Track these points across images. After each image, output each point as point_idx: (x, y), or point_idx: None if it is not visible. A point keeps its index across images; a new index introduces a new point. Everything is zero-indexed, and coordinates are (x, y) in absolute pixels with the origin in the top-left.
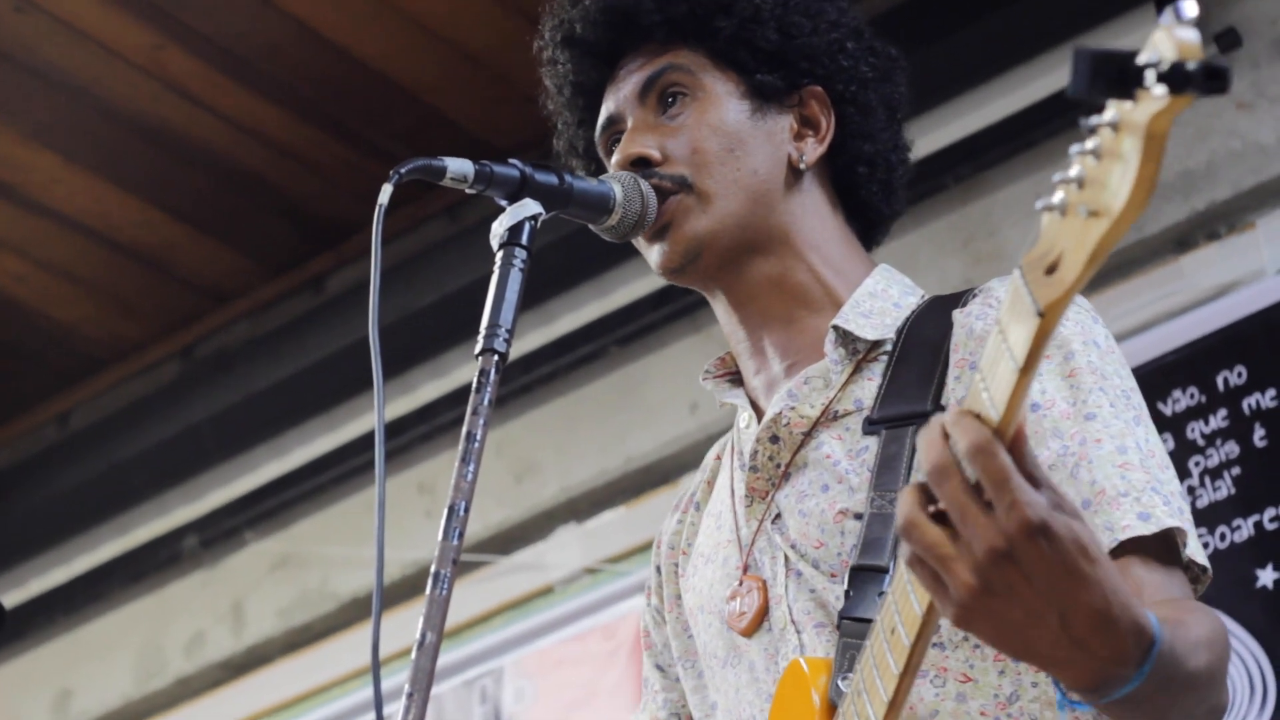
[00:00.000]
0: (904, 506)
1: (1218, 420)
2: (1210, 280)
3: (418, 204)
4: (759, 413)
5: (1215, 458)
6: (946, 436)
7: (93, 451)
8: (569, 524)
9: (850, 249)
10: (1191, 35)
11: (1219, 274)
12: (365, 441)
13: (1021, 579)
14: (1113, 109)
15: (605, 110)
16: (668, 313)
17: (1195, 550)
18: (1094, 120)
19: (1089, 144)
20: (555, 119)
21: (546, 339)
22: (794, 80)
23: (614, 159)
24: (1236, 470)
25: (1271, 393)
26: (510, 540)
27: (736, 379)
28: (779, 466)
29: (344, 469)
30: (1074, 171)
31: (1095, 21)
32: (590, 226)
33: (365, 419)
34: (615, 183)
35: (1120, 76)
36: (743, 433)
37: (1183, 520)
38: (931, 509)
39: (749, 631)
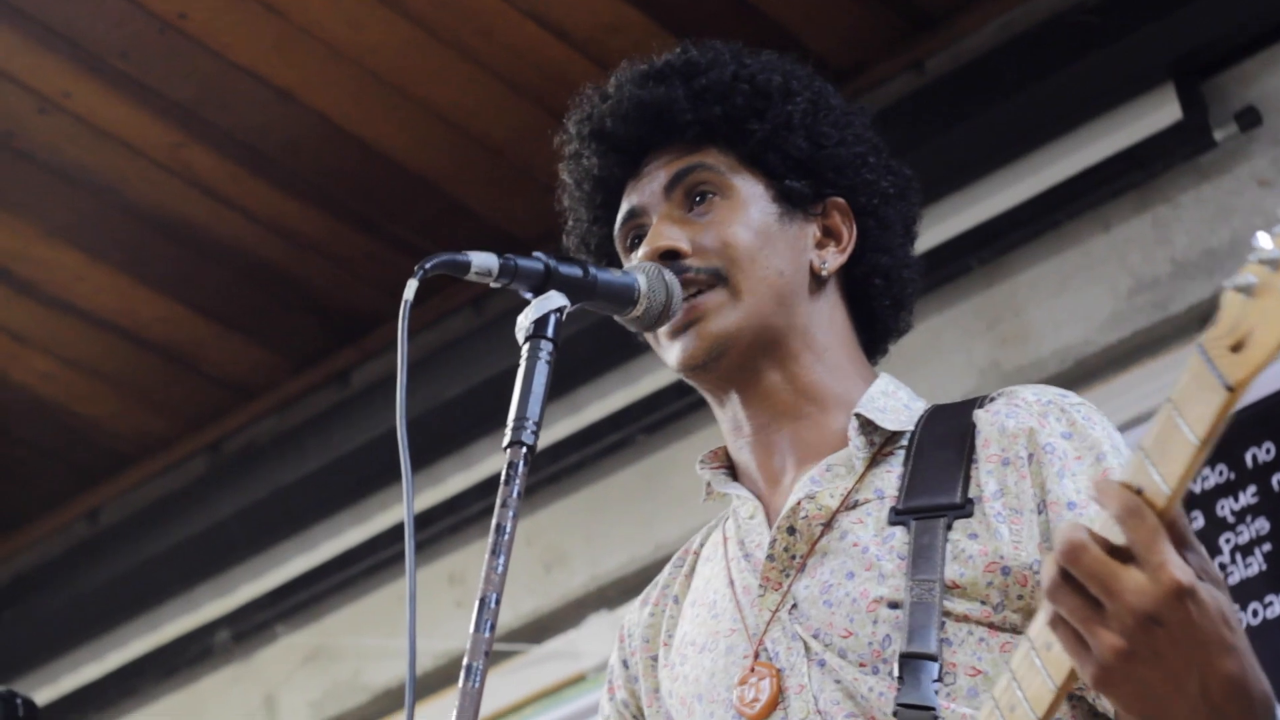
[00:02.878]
0: (1048, 570)
1: (1247, 497)
2: None
3: (442, 296)
4: (764, 505)
5: (1245, 534)
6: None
7: (122, 548)
8: (600, 611)
9: (858, 357)
10: None
11: None
12: (394, 533)
13: (1168, 643)
14: None
15: (627, 204)
16: (693, 400)
17: None
18: None
19: None
20: (569, 215)
21: (574, 428)
22: (820, 189)
23: (640, 251)
24: (1267, 546)
25: None
26: (541, 629)
27: (731, 472)
28: (794, 558)
29: (374, 561)
30: (1268, 253)
31: (1116, 103)
32: (615, 318)
33: (393, 511)
34: (640, 274)
35: None
36: (745, 524)
37: None
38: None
39: (761, 718)
